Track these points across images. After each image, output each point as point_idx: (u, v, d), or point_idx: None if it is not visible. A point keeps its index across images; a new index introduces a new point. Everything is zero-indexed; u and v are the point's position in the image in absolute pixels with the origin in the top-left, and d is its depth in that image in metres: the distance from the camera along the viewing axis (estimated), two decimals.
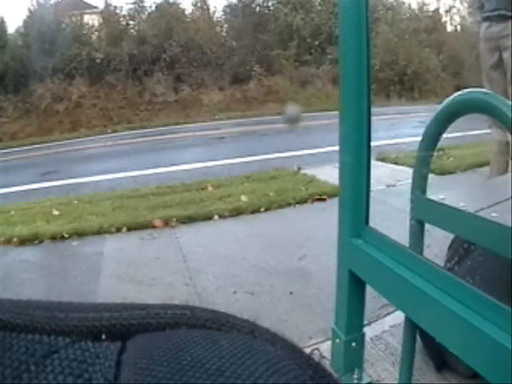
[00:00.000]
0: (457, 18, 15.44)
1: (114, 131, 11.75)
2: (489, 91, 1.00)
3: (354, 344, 1.23)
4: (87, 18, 14.71)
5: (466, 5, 14.93)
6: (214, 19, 15.41)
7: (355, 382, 1.22)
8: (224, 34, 15.28)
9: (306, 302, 2.33)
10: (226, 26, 15.48)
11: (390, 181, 4.37)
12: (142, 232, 3.56)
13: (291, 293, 2.43)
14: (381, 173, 4.51)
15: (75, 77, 13.14)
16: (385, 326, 2.01)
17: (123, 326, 0.23)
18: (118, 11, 14.73)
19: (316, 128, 8.35)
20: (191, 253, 3.08)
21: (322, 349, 1.77)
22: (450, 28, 15.74)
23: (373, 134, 1.16)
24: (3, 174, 7.22)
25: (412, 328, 1.17)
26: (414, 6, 16.67)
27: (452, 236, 1.66)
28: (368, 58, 1.15)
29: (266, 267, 2.78)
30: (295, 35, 14.65)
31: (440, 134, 1.13)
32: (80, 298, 0.26)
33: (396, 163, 5.08)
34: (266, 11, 15.25)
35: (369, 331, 1.70)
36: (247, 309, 2.26)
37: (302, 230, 3.38)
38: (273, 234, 3.40)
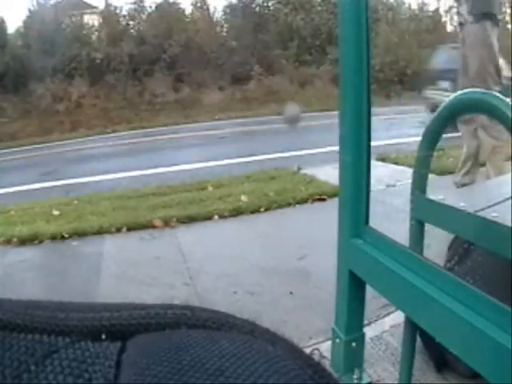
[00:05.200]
0: (457, 18, 15.42)
1: (114, 131, 11.75)
2: (489, 91, 1.00)
3: (353, 344, 1.22)
4: (87, 18, 14.71)
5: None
6: (214, 19, 15.42)
7: (355, 382, 1.22)
8: (224, 34, 15.28)
9: (306, 301, 2.33)
10: (226, 26, 15.48)
11: (389, 181, 4.37)
12: (142, 232, 3.56)
13: (291, 293, 2.43)
14: (381, 173, 4.51)
15: (75, 77, 13.14)
16: (385, 326, 2.01)
17: (123, 326, 0.23)
18: (118, 11, 14.75)
19: (316, 128, 8.35)
20: (191, 253, 3.08)
21: (322, 349, 1.77)
22: (449, 28, 15.74)
23: (373, 134, 1.16)
24: (3, 174, 7.21)
25: (412, 328, 1.17)
26: (414, 6, 16.68)
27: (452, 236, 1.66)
28: (368, 58, 1.14)
29: (266, 267, 2.78)
30: (295, 35, 14.65)
31: (440, 134, 1.13)
32: (80, 298, 0.26)
33: (396, 163, 5.07)
34: (266, 11, 15.25)
35: (369, 331, 1.70)
36: (247, 309, 2.25)
37: (301, 230, 3.38)
38: (273, 234, 3.41)
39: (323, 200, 3.97)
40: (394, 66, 13.96)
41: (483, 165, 3.53)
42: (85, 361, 0.21)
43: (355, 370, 1.22)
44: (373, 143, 1.18)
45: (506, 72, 3.51)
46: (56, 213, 4.12)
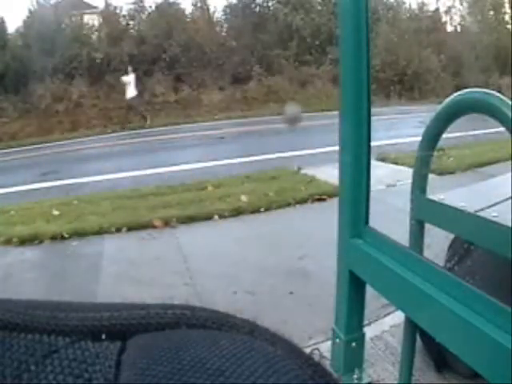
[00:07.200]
0: (456, 18, 15.45)
1: (114, 131, 11.75)
2: (489, 91, 1.00)
3: (353, 344, 1.22)
4: (87, 18, 14.70)
5: (465, 5, 14.95)
6: (214, 19, 15.41)
7: (355, 382, 1.22)
8: (224, 34, 15.27)
9: (306, 301, 2.33)
10: (225, 26, 15.48)
11: (389, 181, 4.37)
12: (142, 232, 3.56)
13: (291, 293, 2.43)
14: (381, 173, 4.51)
15: (75, 77, 13.14)
16: (385, 326, 2.01)
17: (123, 326, 0.23)
18: (118, 11, 14.74)
19: (316, 128, 8.35)
20: (191, 253, 3.08)
21: (322, 349, 1.77)
22: (449, 28, 15.75)
23: (372, 134, 1.16)
24: (3, 173, 7.21)
25: (412, 328, 1.17)
26: (414, 6, 16.69)
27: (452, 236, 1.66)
28: (368, 58, 1.14)
29: (266, 267, 2.78)
30: (295, 35, 14.65)
31: (440, 134, 1.13)
32: (80, 298, 0.26)
33: (396, 163, 5.08)
34: (266, 11, 15.25)
35: (369, 331, 1.70)
36: (247, 309, 2.25)
37: (301, 230, 3.38)
38: (273, 234, 3.40)
39: (323, 200, 3.97)
40: (394, 66, 13.97)
41: None
42: (85, 361, 0.21)
43: (355, 370, 1.22)
44: (372, 143, 1.18)
45: None
46: (56, 213, 4.12)
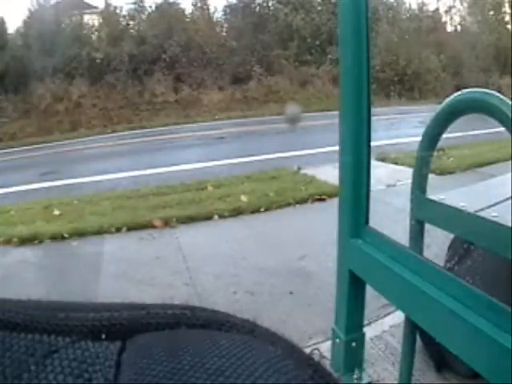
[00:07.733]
0: (456, 18, 15.45)
1: (114, 131, 11.75)
2: (489, 91, 1.00)
3: (353, 344, 1.22)
4: (87, 18, 14.71)
5: (465, 5, 14.95)
6: (214, 19, 15.42)
7: (355, 382, 1.22)
8: (224, 34, 15.28)
9: (305, 301, 2.33)
10: (225, 25, 15.48)
11: (389, 181, 4.37)
12: (141, 232, 3.56)
13: (291, 293, 2.43)
14: (381, 173, 4.51)
15: (75, 77, 13.14)
16: (385, 325, 2.01)
17: (123, 326, 0.23)
18: (118, 11, 14.75)
19: (316, 128, 8.35)
20: (191, 253, 3.08)
21: (322, 349, 1.77)
22: (450, 28, 15.75)
23: (372, 134, 1.16)
24: (3, 173, 7.21)
25: (412, 328, 1.17)
26: (414, 6, 16.69)
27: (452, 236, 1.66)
28: (368, 58, 1.14)
29: (266, 267, 2.78)
30: (295, 35, 14.65)
31: (440, 134, 1.13)
32: (80, 298, 0.26)
33: (396, 163, 5.08)
34: (266, 11, 15.25)
35: (369, 331, 1.70)
36: (247, 309, 2.25)
37: (301, 230, 3.38)
38: (272, 234, 3.41)
39: (323, 200, 3.97)
40: (394, 66, 13.97)
41: None
42: (85, 361, 0.21)
43: (355, 370, 1.22)
44: (372, 143, 1.18)
45: None
46: (56, 213, 4.12)
